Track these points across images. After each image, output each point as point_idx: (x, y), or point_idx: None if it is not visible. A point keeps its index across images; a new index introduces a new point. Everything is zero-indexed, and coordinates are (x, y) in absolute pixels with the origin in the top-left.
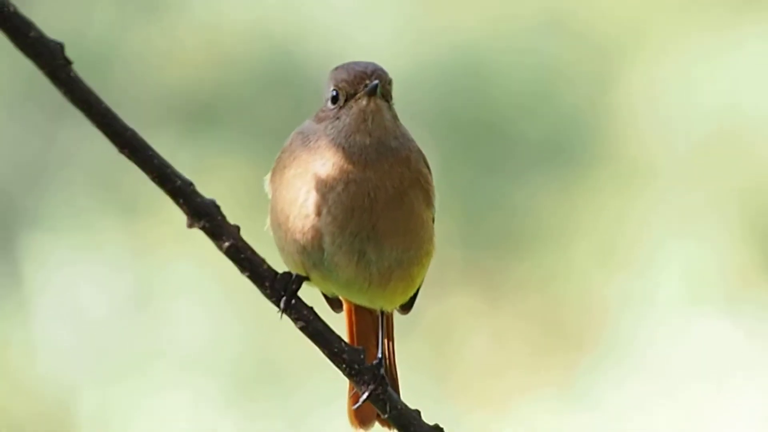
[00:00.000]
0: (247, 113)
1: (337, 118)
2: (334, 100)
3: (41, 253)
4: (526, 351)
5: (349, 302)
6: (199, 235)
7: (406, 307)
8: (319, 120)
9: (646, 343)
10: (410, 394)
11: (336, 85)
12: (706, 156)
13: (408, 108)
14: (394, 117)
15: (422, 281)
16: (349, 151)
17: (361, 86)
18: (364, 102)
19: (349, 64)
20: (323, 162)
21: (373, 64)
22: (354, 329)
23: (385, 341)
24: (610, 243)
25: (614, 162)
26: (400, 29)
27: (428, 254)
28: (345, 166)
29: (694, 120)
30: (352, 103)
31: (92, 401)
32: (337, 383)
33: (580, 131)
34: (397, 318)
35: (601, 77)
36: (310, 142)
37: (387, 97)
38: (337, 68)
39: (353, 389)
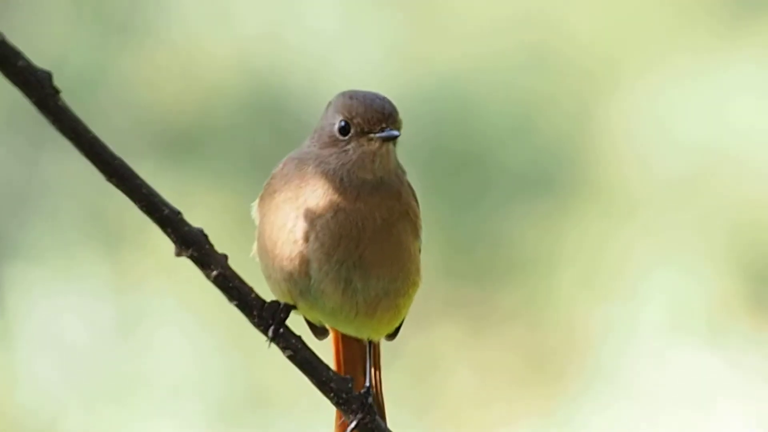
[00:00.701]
0: (229, 142)
1: (344, 150)
2: (344, 131)
3: (24, 282)
4: (510, 381)
5: (336, 331)
6: (182, 265)
7: (392, 335)
8: (324, 146)
9: (629, 372)
10: (393, 425)
11: (348, 117)
12: (688, 185)
13: None
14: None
15: (408, 311)
16: (346, 182)
17: (377, 127)
18: (376, 145)
19: (365, 96)
20: (314, 189)
21: (389, 103)
22: (341, 358)
23: (372, 370)
24: (593, 273)
25: (596, 192)
26: (384, 59)
27: (415, 285)
28: (337, 195)
29: (676, 150)
30: (363, 141)
31: (74, 431)
32: (322, 412)
33: (562, 162)
34: (381, 348)
35: (582, 108)
36: (307, 167)
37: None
38: (351, 97)
39: (341, 418)
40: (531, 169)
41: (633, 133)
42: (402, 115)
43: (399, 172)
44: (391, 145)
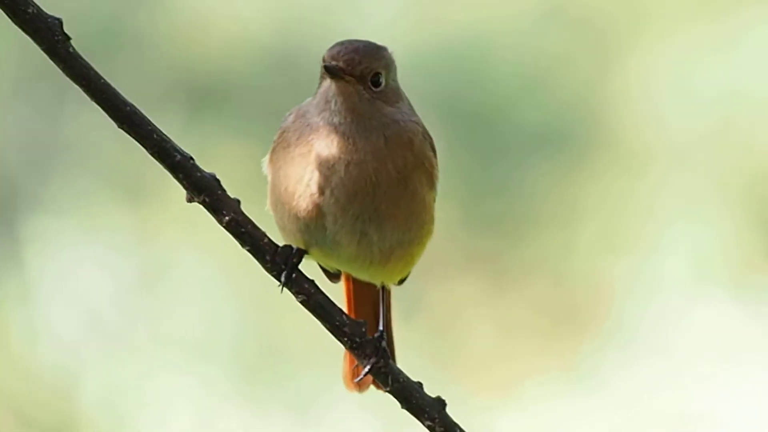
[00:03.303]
0: (250, 95)
1: (315, 95)
2: (321, 77)
3: (44, 235)
4: (531, 335)
5: (347, 275)
6: (202, 219)
7: (401, 280)
8: (313, 96)
9: (650, 326)
10: (415, 377)
11: (323, 61)
12: (708, 140)
13: (409, 92)
14: (378, 98)
15: (420, 257)
16: (345, 131)
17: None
18: (327, 83)
19: (344, 41)
20: (322, 142)
21: (357, 44)
22: (352, 302)
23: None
24: (614, 227)
25: (615, 147)
26: (401, 12)
27: (429, 234)
28: (345, 147)
29: (695, 105)
30: (321, 81)
31: (95, 385)
32: (340, 366)
33: (581, 116)
34: (401, 303)
35: (602, 62)
36: (309, 119)
37: (365, 79)
38: (336, 43)
39: (353, 363)
40: (550, 125)
41: (650, 88)
42: (419, 68)
43: (402, 119)
44: (342, 84)
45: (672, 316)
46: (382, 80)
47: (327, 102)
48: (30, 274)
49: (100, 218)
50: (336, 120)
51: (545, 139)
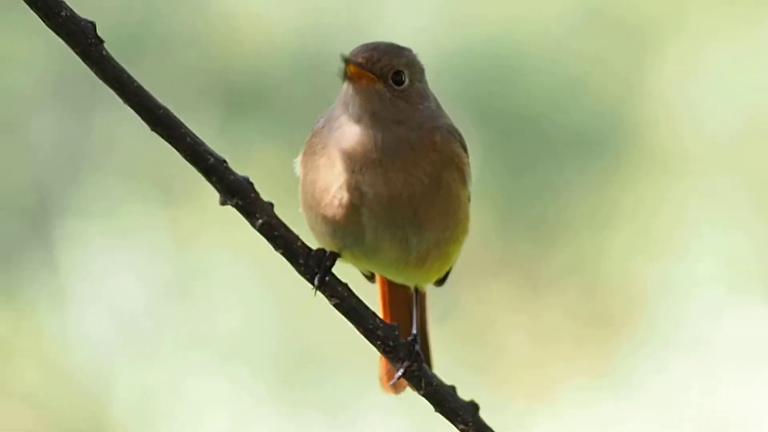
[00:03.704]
0: (284, 98)
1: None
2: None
3: (77, 240)
4: (565, 340)
5: (382, 277)
6: (236, 222)
7: (441, 281)
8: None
9: (684, 330)
10: (449, 381)
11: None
12: (743, 144)
13: (443, 95)
14: (400, 98)
15: (457, 257)
16: (371, 134)
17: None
18: (345, 85)
19: (364, 43)
20: (344, 154)
21: (377, 43)
22: (387, 305)
23: (419, 317)
24: (648, 231)
25: (650, 150)
26: (434, 16)
27: (465, 232)
28: (369, 156)
29: (730, 108)
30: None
31: (129, 389)
32: (375, 370)
33: (615, 121)
34: (435, 307)
35: (636, 65)
36: (330, 125)
37: (385, 77)
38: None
39: (387, 366)
40: (585, 129)
41: (685, 91)
42: (453, 71)
43: (426, 119)
44: (358, 84)
45: (706, 320)
46: (405, 78)
47: (345, 104)
48: (63, 278)
49: (134, 221)
50: (357, 125)
51: (580, 142)
